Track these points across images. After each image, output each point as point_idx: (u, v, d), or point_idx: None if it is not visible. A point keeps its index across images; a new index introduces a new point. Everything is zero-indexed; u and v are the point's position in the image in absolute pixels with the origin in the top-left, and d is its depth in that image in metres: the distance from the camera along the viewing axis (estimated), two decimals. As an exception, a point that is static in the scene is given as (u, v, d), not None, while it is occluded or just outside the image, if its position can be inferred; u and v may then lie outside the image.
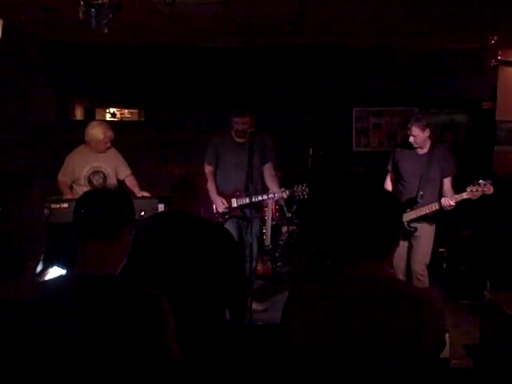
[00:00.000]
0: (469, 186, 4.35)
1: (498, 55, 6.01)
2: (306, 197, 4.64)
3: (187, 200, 2.68)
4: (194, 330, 2.47)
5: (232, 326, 2.68)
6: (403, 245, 4.49)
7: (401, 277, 4.52)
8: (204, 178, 2.88)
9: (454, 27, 5.44)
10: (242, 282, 2.75)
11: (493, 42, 5.65)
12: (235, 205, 4.62)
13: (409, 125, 4.47)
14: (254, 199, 4.47)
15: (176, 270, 2.52)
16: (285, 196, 4.67)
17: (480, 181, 4.33)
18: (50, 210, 3.77)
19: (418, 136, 4.42)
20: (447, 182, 4.49)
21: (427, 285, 4.51)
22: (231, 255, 2.67)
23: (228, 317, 2.71)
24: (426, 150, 4.50)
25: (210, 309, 2.58)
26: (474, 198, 4.36)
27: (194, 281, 2.52)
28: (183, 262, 2.53)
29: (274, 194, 4.66)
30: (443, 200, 4.38)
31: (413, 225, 4.46)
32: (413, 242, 4.54)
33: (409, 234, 4.49)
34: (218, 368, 2.53)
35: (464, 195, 4.35)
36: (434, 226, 4.58)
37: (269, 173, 4.75)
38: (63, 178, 4.87)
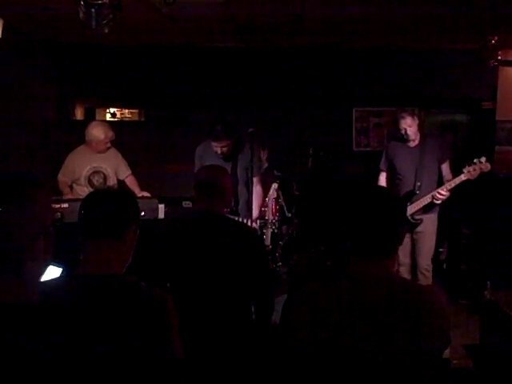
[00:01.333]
0: (464, 167, 4.30)
1: (498, 55, 6.02)
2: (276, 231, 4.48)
3: (213, 200, 2.67)
4: (220, 328, 2.51)
5: (257, 324, 2.68)
6: (407, 241, 4.47)
7: (407, 273, 4.53)
8: (229, 178, 2.83)
9: (454, 27, 5.44)
10: (268, 279, 2.74)
11: (493, 42, 5.65)
12: None
13: (399, 118, 4.44)
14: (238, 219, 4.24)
15: (204, 269, 2.53)
16: (256, 226, 4.36)
17: (475, 159, 4.27)
18: (62, 213, 3.75)
19: (413, 125, 4.40)
20: (445, 167, 4.48)
21: (431, 280, 4.50)
22: (258, 255, 2.68)
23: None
24: (417, 142, 4.51)
25: (237, 307, 2.59)
26: (473, 179, 4.29)
27: (222, 280, 2.53)
28: (211, 262, 2.54)
29: (249, 221, 4.20)
30: (434, 193, 4.37)
31: (417, 216, 4.45)
32: (415, 237, 4.53)
33: (414, 227, 4.47)
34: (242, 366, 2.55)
35: (462, 177, 4.28)
36: (436, 220, 4.56)
37: (254, 189, 4.31)
38: (63, 177, 4.87)
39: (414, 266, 4.59)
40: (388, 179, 4.74)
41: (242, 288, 2.58)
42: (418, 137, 4.50)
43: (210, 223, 2.63)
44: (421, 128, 4.55)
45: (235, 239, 2.61)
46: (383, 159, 4.74)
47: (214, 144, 4.17)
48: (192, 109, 7.30)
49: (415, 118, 4.42)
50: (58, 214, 3.70)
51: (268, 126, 6.75)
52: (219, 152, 4.18)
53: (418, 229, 4.50)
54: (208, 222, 2.63)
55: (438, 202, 4.38)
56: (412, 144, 4.51)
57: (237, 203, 4.28)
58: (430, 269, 4.55)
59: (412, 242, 4.55)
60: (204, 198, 2.67)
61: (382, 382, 1.61)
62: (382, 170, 4.75)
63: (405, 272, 4.53)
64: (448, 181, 4.38)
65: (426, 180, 4.44)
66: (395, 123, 4.62)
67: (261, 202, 4.47)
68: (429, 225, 4.52)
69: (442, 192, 4.33)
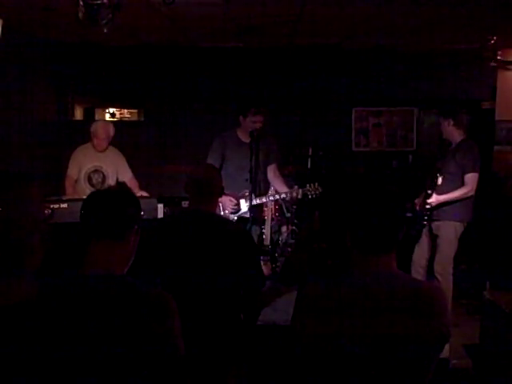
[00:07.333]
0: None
1: (497, 55, 6.02)
2: (318, 196, 4.40)
3: (209, 199, 2.68)
4: (210, 328, 2.50)
5: (245, 324, 2.68)
6: (424, 241, 4.58)
7: (421, 273, 4.55)
8: (219, 177, 2.83)
9: (454, 27, 5.44)
10: (259, 280, 2.73)
11: (492, 41, 5.65)
12: (244, 206, 4.40)
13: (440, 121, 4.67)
14: (266, 200, 4.42)
15: (195, 268, 2.53)
16: (299, 196, 4.40)
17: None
18: (53, 210, 3.76)
19: (444, 127, 4.56)
20: (465, 178, 4.44)
21: (448, 286, 4.40)
22: (249, 255, 2.68)
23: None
24: (453, 146, 4.58)
25: (226, 307, 2.59)
26: None
27: (212, 279, 2.53)
28: (202, 261, 2.54)
29: (287, 193, 4.43)
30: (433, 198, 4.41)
31: (434, 212, 4.45)
32: (437, 241, 4.54)
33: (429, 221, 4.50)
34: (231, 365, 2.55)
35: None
36: (455, 227, 4.49)
37: (273, 174, 4.56)
38: (71, 173, 4.92)
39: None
40: None
41: (231, 288, 2.58)
42: (456, 140, 4.55)
43: (207, 223, 2.64)
44: (461, 134, 4.55)
45: (228, 238, 2.62)
46: None
47: (254, 119, 4.32)
48: (191, 109, 7.30)
49: (449, 122, 4.53)
50: (49, 210, 3.70)
51: (268, 126, 6.74)
52: (257, 127, 4.31)
53: (437, 232, 4.51)
54: (205, 222, 2.63)
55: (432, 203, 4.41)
56: (452, 147, 4.60)
57: (254, 189, 4.32)
58: (446, 274, 4.47)
59: (431, 244, 4.58)
60: (201, 196, 2.67)
61: (383, 378, 1.61)
62: None
63: (420, 273, 4.54)
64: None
65: (445, 185, 4.41)
66: None
67: (284, 183, 4.64)
68: (446, 230, 4.48)
69: (432, 199, 4.38)
